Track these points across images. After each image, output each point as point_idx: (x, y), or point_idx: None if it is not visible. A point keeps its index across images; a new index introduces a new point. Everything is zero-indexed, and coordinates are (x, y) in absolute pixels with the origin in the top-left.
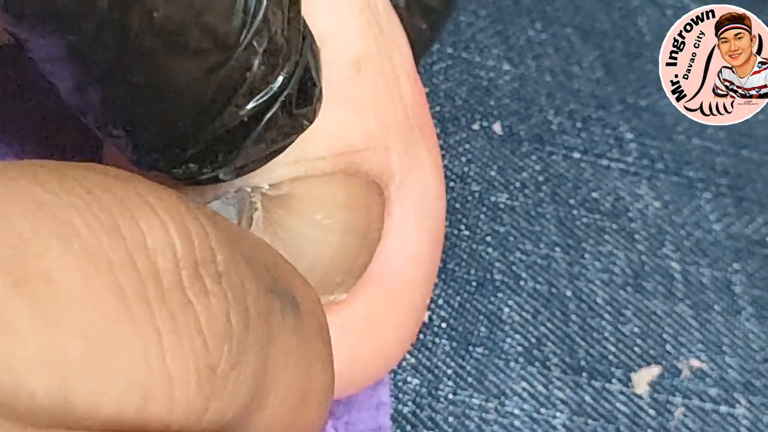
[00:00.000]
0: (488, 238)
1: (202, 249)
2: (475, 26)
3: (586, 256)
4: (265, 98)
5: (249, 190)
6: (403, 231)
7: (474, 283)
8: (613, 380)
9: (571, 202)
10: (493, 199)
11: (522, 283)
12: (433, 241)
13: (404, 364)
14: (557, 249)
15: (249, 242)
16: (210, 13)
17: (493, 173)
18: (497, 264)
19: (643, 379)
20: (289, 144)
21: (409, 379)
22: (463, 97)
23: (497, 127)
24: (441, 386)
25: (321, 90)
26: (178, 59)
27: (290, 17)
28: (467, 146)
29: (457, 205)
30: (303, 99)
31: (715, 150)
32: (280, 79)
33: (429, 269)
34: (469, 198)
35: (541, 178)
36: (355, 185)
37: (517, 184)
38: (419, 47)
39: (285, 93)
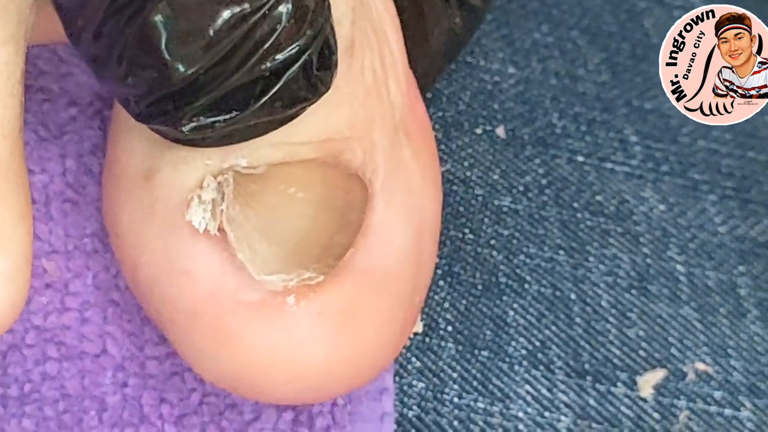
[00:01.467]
0: (492, 242)
1: None
2: (480, 30)
3: (591, 259)
4: (289, 54)
5: (226, 167)
6: (387, 227)
7: (479, 287)
8: (618, 383)
9: (575, 205)
10: (496, 202)
11: (526, 286)
12: (421, 239)
13: (410, 367)
14: (561, 252)
15: None
16: None
17: (496, 177)
18: (502, 267)
19: (648, 382)
20: (301, 111)
21: (414, 382)
22: (466, 102)
23: (501, 131)
24: (446, 390)
25: (337, 60)
26: (210, 3)
27: None
28: (470, 150)
29: (461, 209)
30: (321, 63)
31: (721, 152)
32: (305, 38)
33: (418, 265)
34: (473, 202)
35: (544, 182)
36: (334, 172)
37: (521, 188)
38: (453, 43)
39: (308, 52)
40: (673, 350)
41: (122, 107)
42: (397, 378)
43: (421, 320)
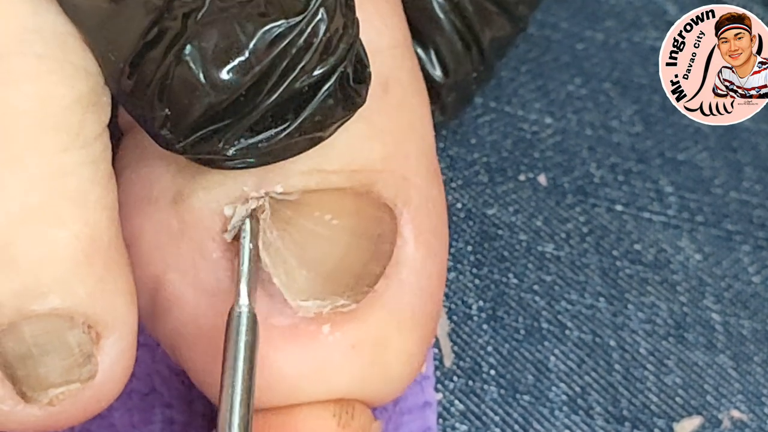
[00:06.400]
0: (535, 287)
1: None
2: (516, 81)
3: (630, 306)
4: (325, 68)
5: (262, 193)
6: (416, 265)
7: (522, 331)
8: (655, 430)
9: (615, 253)
10: (539, 248)
11: (567, 332)
12: (441, 280)
13: (453, 410)
14: (601, 299)
15: None
16: None
17: (539, 223)
18: (544, 313)
19: (685, 429)
20: (339, 126)
21: (457, 425)
22: (508, 149)
23: (542, 179)
24: None
25: (371, 73)
26: (248, 22)
27: (347, 1)
28: (514, 196)
29: (506, 253)
30: (356, 76)
31: (752, 203)
32: (340, 51)
33: (438, 306)
34: (517, 247)
35: (585, 230)
36: (367, 202)
37: (563, 235)
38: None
39: (343, 64)
40: (708, 398)
41: (153, 138)
42: (441, 420)
43: (461, 360)
